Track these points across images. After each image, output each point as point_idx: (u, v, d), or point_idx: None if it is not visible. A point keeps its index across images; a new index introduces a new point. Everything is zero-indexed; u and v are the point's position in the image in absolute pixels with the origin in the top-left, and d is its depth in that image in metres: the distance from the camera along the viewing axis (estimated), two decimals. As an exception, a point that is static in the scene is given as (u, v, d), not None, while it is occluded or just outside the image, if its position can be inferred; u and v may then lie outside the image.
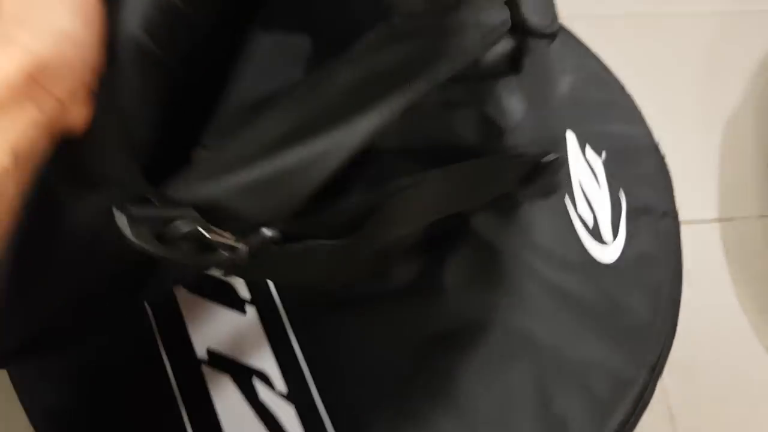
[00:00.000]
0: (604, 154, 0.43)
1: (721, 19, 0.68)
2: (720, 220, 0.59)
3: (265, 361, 0.36)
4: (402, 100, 0.25)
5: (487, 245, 0.37)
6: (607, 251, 0.41)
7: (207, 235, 0.24)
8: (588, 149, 0.43)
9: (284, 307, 0.36)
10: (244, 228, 0.25)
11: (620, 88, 0.49)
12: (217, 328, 0.37)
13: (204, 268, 0.34)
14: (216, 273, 0.37)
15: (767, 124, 0.63)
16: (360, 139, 0.25)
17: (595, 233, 0.41)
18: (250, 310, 0.37)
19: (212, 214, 0.24)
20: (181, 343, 0.36)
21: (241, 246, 0.25)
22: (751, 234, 0.59)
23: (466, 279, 0.36)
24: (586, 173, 0.42)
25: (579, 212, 0.40)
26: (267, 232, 0.26)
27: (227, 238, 0.25)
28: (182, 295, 0.37)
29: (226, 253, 0.25)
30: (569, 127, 0.42)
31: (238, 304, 0.37)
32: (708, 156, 0.62)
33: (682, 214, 0.47)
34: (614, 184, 0.42)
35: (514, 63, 0.29)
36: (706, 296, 0.54)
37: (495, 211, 0.37)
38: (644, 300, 0.40)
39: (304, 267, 0.31)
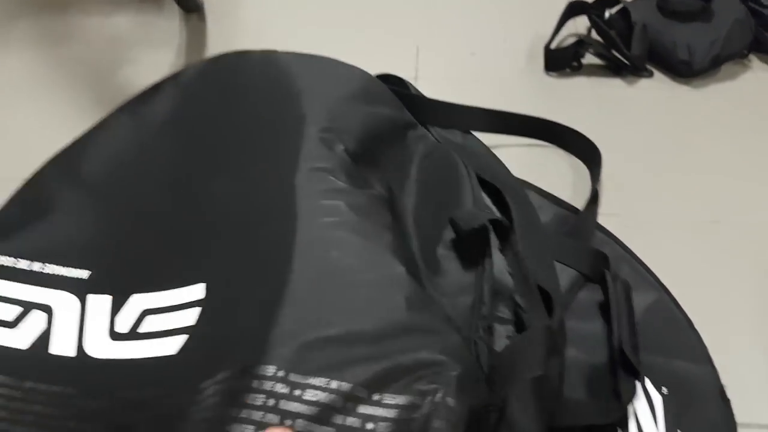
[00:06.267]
0: (664, 389, 0.46)
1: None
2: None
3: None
4: None
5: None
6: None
7: None
8: (648, 382, 0.45)
9: None
10: None
11: (688, 325, 0.51)
12: None
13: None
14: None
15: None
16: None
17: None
18: None
19: None
20: None
21: None
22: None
23: None
24: (644, 407, 0.44)
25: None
26: None
27: None
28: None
29: None
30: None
31: None
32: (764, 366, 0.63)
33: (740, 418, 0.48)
34: (673, 423, 0.44)
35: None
36: None
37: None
38: None
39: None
